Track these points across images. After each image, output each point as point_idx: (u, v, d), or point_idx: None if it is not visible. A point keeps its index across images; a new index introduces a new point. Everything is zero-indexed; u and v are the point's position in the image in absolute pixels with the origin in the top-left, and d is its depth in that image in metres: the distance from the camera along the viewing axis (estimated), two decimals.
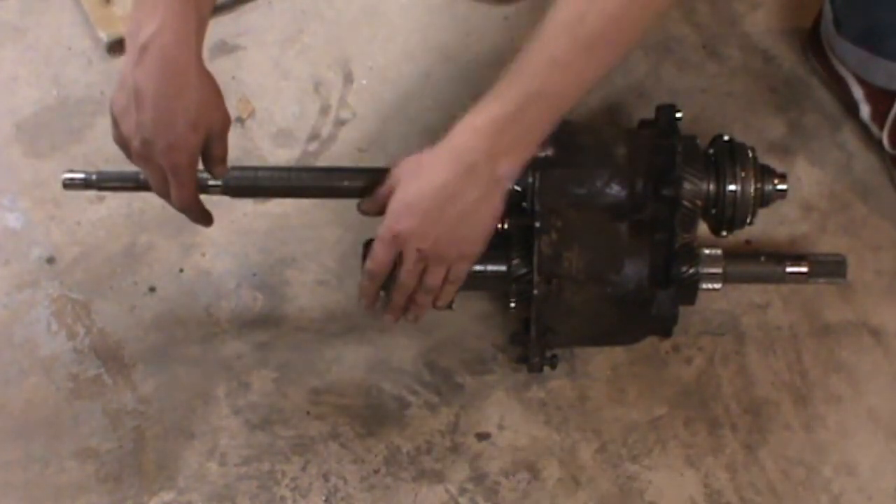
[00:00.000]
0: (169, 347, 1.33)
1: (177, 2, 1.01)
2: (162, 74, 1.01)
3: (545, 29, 1.03)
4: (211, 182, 1.18)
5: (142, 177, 1.13)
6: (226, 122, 1.08)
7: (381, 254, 1.11)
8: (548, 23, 1.03)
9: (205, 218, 1.15)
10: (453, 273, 1.13)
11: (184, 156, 1.05)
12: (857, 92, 1.41)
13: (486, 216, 1.09)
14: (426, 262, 1.11)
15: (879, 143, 1.41)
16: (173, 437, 1.28)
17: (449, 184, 1.06)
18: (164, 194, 1.09)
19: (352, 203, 1.35)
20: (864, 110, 1.41)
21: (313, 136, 1.46)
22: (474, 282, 1.20)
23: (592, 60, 1.04)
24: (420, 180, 1.07)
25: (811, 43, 1.47)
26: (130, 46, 1.02)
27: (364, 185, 1.22)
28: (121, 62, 1.05)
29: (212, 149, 1.08)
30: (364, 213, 1.16)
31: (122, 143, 1.07)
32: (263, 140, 1.45)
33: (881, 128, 1.40)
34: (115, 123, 1.06)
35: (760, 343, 1.33)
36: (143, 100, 1.02)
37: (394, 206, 1.09)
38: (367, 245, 1.20)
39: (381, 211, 1.11)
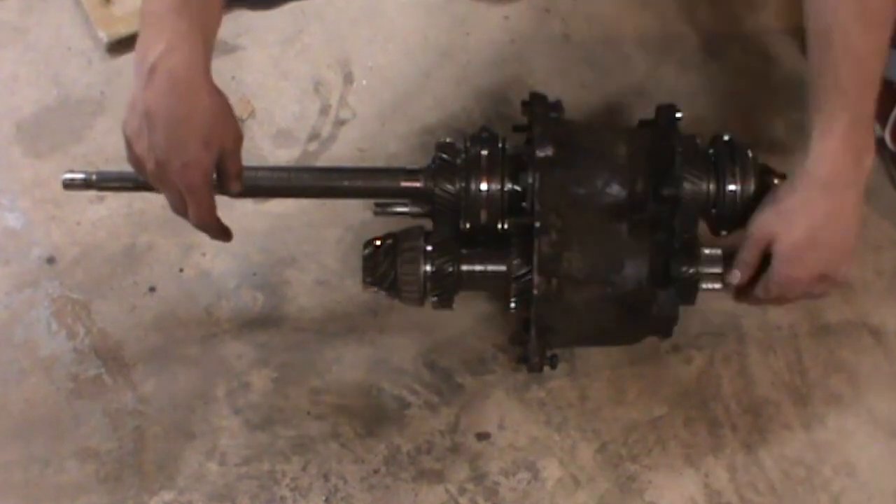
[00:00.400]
0: (169, 347, 1.33)
1: (183, 22, 1.02)
2: (171, 95, 1.01)
3: (837, 23, 1.08)
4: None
5: (142, 177, 1.13)
6: (238, 138, 1.08)
7: (791, 298, 1.19)
8: (833, 20, 1.09)
9: (224, 234, 1.15)
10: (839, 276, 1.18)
11: (198, 174, 1.05)
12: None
13: (858, 216, 1.15)
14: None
15: (881, 141, 1.41)
16: (173, 437, 1.28)
17: (833, 213, 1.13)
18: (183, 213, 1.09)
19: (352, 203, 1.36)
20: None
21: (313, 136, 1.46)
22: (474, 282, 1.20)
23: (882, 42, 1.12)
24: (804, 223, 1.13)
25: None
26: (139, 69, 1.03)
27: (363, 186, 1.22)
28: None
29: (225, 165, 1.08)
30: (742, 297, 1.21)
31: (137, 164, 1.07)
32: (263, 140, 1.45)
33: (883, 126, 1.40)
34: (129, 146, 1.06)
35: (760, 343, 1.33)
36: (155, 121, 1.02)
37: (785, 252, 1.14)
38: (368, 244, 1.20)
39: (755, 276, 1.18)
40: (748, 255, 1.17)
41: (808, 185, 1.13)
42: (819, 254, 1.15)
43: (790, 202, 1.14)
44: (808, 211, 1.13)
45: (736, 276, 1.19)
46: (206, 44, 1.04)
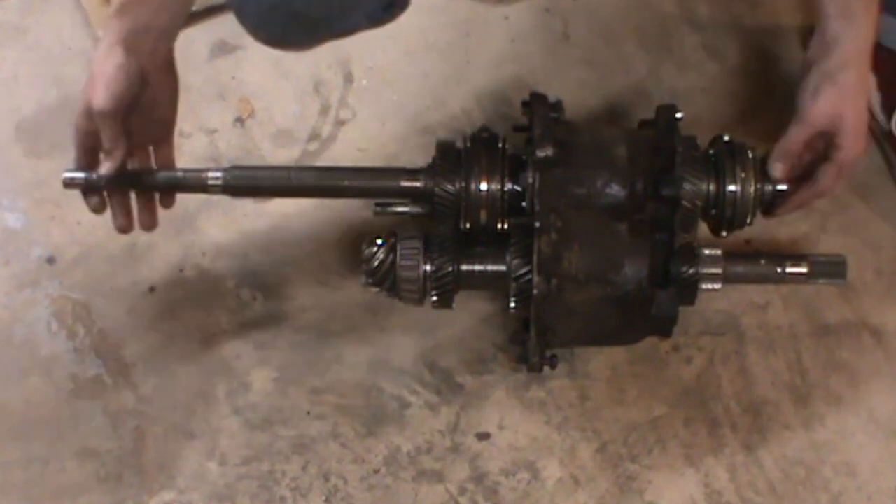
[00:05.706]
0: (169, 347, 1.33)
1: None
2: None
3: None
4: (211, 182, 1.18)
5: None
6: (109, 107, 1.14)
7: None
8: None
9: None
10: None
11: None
12: (870, 80, 1.41)
13: None
14: None
15: (885, 135, 1.40)
16: (173, 437, 1.28)
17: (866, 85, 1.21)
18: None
19: (352, 203, 1.36)
20: (875, 99, 1.41)
21: (313, 136, 1.46)
22: (474, 282, 1.20)
23: None
24: (864, 97, 1.20)
25: None
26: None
27: (363, 186, 1.23)
28: None
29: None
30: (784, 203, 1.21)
31: None
32: (263, 140, 1.45)
33: (889, 117, 1.40)
34: None
35: (760, 343, 1.33)
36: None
37: (857, 128, 1.17)
38: (368, 244, 1.20)
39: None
40: (794, 143, 1.18)
41: (857, 58, 1.16)
42: (864, 127, 1.18)
43: (850, 77, 1.16)
44: (864, 85, 1.18)
45: (779, 169, 1.19)
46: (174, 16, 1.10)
